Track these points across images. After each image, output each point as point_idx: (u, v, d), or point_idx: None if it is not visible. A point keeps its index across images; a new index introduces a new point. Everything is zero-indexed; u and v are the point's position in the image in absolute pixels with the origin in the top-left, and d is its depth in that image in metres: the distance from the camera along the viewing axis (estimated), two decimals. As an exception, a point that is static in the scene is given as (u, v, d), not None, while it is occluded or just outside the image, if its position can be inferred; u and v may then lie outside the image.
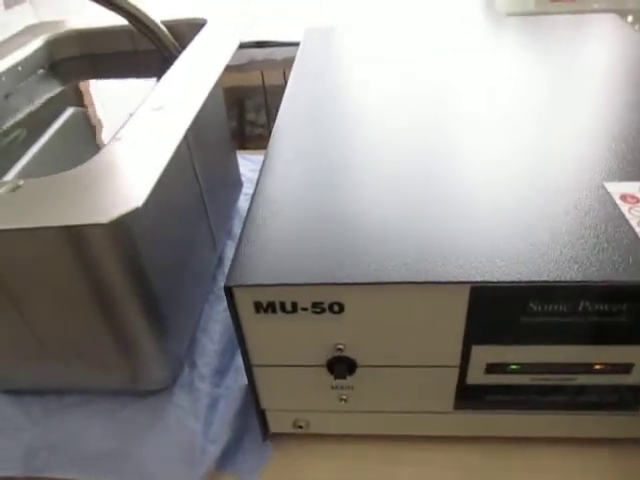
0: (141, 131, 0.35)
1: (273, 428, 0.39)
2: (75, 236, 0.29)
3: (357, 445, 0.39)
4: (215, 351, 0.45)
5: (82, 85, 0.59)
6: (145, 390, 0.42)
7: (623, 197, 0.33)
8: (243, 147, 0.99)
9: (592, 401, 0.34)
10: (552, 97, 0.47)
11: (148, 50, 0.55)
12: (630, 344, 0.31)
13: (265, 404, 0.37)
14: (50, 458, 0.39)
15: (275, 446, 0.39)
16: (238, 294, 0.31)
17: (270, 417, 0.38)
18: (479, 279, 0.28)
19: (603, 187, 0.34)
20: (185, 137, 0.41)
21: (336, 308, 0.30)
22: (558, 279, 0.28)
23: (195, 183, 0.45)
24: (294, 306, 0.31)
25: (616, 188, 0.34)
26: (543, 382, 0.33)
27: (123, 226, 0.29)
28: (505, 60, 0.55)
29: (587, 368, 0.32)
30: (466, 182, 0.36)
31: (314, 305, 0.30)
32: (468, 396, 0.35)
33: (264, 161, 0.40)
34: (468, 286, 0.29)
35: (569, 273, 0.28)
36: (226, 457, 0.39)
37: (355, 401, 0.36)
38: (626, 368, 0.32)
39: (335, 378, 0.33)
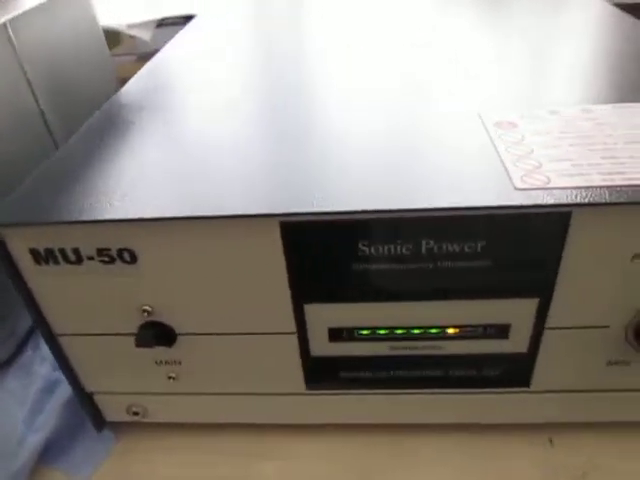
0: None
1: (108, 416, 0.32)
2: None
3: (213, 436, 0.33)
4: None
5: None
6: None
7: (498, 124, 0.27)
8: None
9: (471, 376, 0.28)
10: (459, 40, 0.41)
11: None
12: (500, 298, 0.25)
13: (89, 386, 0.31)
14: None
15: (117, 438, 0.33)
16: (9, 238, 0.24)
17: (100, 402, 0.32)
18: (288, 211, 0.22)
19: (479, 116, 0.28)
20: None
21: (127, 256, 0.24)
22: (384, 208, 0.22)
23: (48, 137, 0.39)
24: (77, 254, 0.24)
25: (492, 116, 0.28)
26: (406, 352, 0.27)
27: None
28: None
29: (453, 332, 0.26)
30: (318, 111, 0.30)
31: (100, 252, 0.24)
32: (318, 372, 0.28)
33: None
34: (276, 220, 0.22)
35: (403, 201, 0.22)
36: (55, 449, 0.32)
37: (186, 380, 0.29)
38: (501, 330, 0.26)
39: (137, 346, 0.26)
